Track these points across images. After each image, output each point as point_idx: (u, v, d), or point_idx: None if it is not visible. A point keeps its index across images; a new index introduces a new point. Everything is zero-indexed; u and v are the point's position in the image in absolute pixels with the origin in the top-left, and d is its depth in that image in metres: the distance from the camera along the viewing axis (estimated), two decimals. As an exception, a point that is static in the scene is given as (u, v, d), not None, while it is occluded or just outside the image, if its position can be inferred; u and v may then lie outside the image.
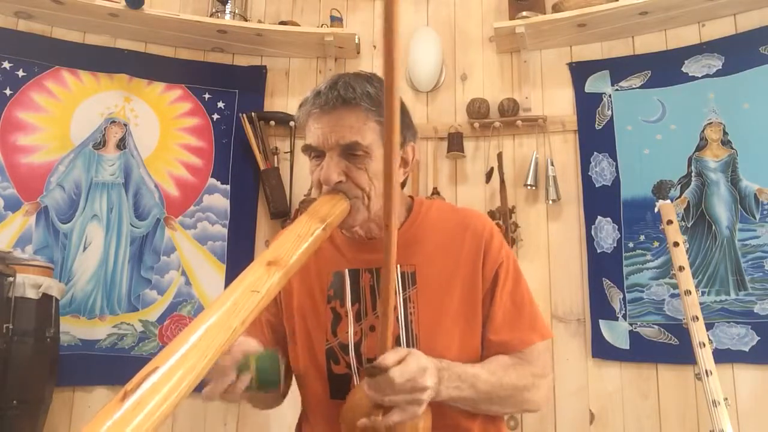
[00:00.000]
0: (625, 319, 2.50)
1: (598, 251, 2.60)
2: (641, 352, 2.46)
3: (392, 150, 0.86)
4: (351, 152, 1.20)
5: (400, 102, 1.28)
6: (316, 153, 1.24)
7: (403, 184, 1.38)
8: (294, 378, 1.40)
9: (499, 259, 1.32)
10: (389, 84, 0.77)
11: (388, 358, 1.05)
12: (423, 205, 1.39)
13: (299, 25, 2.97)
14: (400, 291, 1.28)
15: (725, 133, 2.50)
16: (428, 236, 1.33)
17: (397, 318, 1.26)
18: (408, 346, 1.24)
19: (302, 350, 1.33)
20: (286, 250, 0.97)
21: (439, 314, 1.27)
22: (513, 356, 1.28)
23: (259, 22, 2.99)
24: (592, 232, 2.62)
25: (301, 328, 1.35)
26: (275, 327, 1.43)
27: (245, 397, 1.22)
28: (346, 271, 1.33)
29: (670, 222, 2.14)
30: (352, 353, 1.27)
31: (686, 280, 2.06)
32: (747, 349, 2.32)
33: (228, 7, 2.89)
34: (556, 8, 2.74)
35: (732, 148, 2.48)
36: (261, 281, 0.88)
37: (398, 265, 1.28)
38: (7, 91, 2.67)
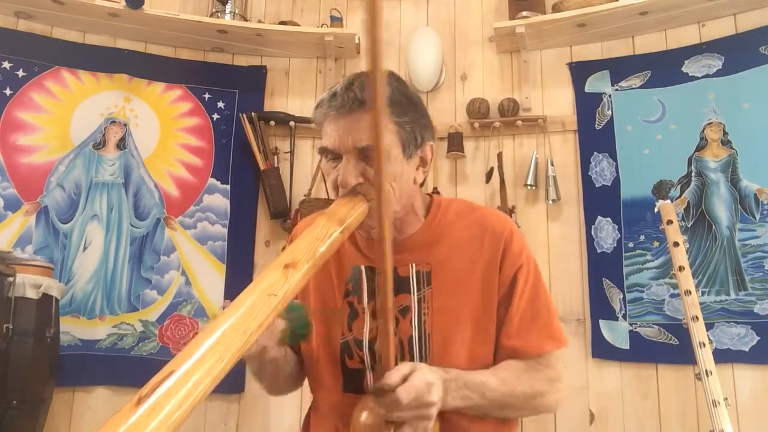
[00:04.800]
0: (625, 319, 2.50)
1: (598, 251, 2.60)
2: (641, 352, 2.47)
3: (379, 157, 0.86)
4: (368, 155, 1.17)
5: (419, 101, 1.28)
6: (332, 155, 1.22)
7: (422, 184, 1.36)
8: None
9: (519, 263, 1.29)
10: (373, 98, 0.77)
11: (393, 376, 1.04)
12: (441, 204, 1.37)
13: (299, 25, 2.97)
14: (415, 290, 1.27)
15: (725, 133, 2.50)
16: (446, 236, 1.32)
17: (411, 319, 1.25)
18: (420, 346, 1.24)
19: (317, 340, 1.33)
20: (303, 253, 0.96)
21: (452, 315, 1.26)
22: (527, 362, 1.26)
23: (259, 22, 2.99)
24: (592, 232, 2.62)
25: (317, 319, 1.34)
26: None
27: (268, 362, 1.23)
28: (363, 267, 1.33)
29: (670, 222, 2.14)
30: (366, 349, 1.27)
31: (686, 280, 2.06)
32: (747, 349, 2.32)
33: (228, 7, 2.89)
34: (556, 8, 2.74)
35: (732, 148, 2.48)
36: (278, 285, 0.87)
37: (414, 264, 1.28)
38: (7, 91, 2.67)
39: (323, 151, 1.24)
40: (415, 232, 1.31)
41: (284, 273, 0.89)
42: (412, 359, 1.23)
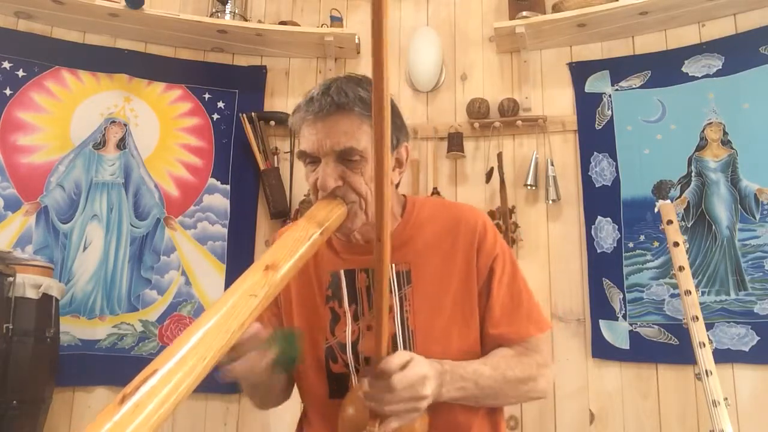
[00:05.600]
0: (625, 319, 2.50)
1: (598, 251, 2.60)
2: (641, 352, 2.46)
3: (383, 170, 0.86)
4: (347, 157, 1.20)
5: (393, 103, 1.29)
6: (311, 159, 1.24)
7: (397, 185, 1.38)
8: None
9: (494, 253, 1.32)
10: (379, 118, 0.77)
11: (392, 362, 1.05)
12: (416, 203, 1.40)
13: (299, 25, 2.97)
14: (396, 290, 1.29)
15: (725, 133, 2.49)
16: (422, 234, 1.34)
17: (393, 317, 1.27)
18: (404, 344, 1.26)
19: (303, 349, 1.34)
20: (283, 254, 0.97)
21: (434, 311, 1.28)
22: (515, 348, 1.30)
23: (259, 22, 2.99)
24: (592, 232, 2.62)
25: (300, 327, 1.36)
26: (273, 323, 1.43)
27: (260, 382, 1.23)
28: (342, 272, 1.34)
29: (670, 222, 2.13)
30: (349, 352, 1.28)
31: (686, 280, 2.05)
32: (747, 349, 2.32)
33: (228, 7, 2.89)
34: (556, 8, 2.74)
35: (732, 148, 2.48)
36: (258, 285, 0.88)
37: (393, 264, 1.29)
38: (7, 91, 2.67)
39: (302, 155, 1.25)
40: (392, 231, 1.32)
41: (265, 274, 0.91)
42: None
